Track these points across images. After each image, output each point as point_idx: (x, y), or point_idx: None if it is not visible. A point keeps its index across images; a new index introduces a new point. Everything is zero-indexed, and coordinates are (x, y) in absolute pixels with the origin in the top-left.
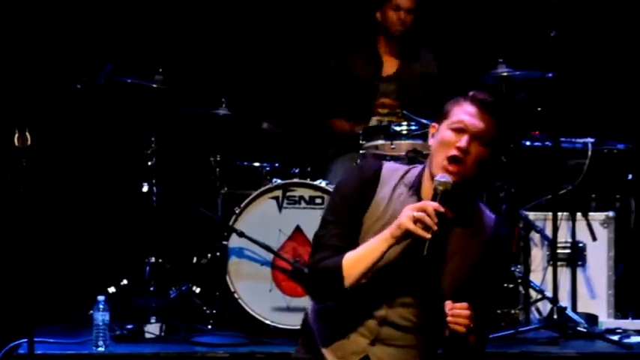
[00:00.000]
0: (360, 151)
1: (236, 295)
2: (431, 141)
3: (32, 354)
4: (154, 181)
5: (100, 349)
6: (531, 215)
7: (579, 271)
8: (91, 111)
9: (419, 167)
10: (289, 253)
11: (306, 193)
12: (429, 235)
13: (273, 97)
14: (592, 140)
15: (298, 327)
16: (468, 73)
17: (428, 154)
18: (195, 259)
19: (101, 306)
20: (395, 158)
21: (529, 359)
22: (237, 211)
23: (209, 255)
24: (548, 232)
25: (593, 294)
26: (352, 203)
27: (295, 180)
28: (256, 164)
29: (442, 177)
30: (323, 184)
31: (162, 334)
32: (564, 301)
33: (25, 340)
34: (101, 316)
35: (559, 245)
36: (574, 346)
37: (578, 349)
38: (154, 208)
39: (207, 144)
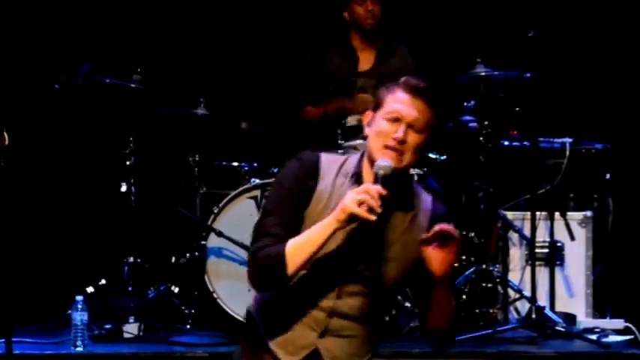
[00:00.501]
0: (339, 151)
1: (215, 295)
2: (367, 130)
3: (10, 354)
4: (132, 180)
5: (78, 349)
6: (510, 215)
7: (557, 270)
8: (69, 111)
9: (356, 156)
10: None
11: None
12: (373, 217)
13: (251, 97)
14: (570, 140)
15: None
16: (447, 73)
17: None
18: (173, 259)
19: (79, 306)
20: None
21: (507, 358)
22: (215, 211)
23: (188, 255)
24: (527, 231)
25: (572, 293)
26: (294, 194)
27: (274, 180)
28: (235, 164)
29: (382, 161)
30: None
31: (141, 333)
32: (542, 300)
33: (3, 339)
34: (79, 316)
35: (537, 245)
36: (552, 345)
37: (557, 348)
38: (133, 208)
39: (185, 144)
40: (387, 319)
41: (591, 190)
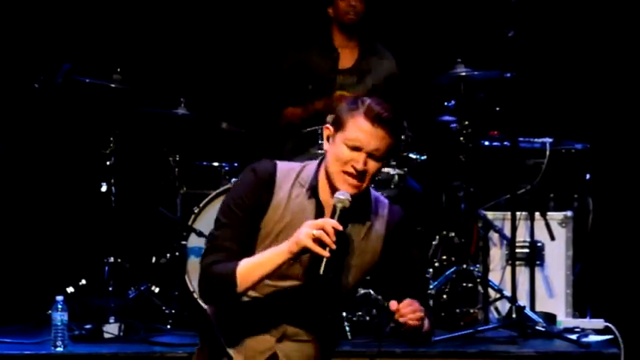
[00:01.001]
0: (319, 151)
1: (195, 295)
2: (326, 145)
3: None
4: (112, 180)
5: (58, 349)
6: (490, 215)
7: (538, 270)
8: (49, 110)
9: (313, 164)
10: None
11: None
12: (327, 254)
13: (231, 97)
14: (550, 140)
15: None
16: (427, 73)
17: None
18: (154, 259)
19: (59, 306)
20: None
21: (488, 358)
22: (196, 211)
23: (168, 255)
24: (507, 231)
25: (552, 293)
26: (248, 207)
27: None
28: (215, 164)
29: (341, 194)
30: None
31: (121, 334)
32: (523, 300)
33: None
34: (60, 316)
35: (517, 245)
36: (532, 345)
37: (537, 348)
38: (113, 208)
39: (166, 144)
40: (368, 319)
41: (571, 190)
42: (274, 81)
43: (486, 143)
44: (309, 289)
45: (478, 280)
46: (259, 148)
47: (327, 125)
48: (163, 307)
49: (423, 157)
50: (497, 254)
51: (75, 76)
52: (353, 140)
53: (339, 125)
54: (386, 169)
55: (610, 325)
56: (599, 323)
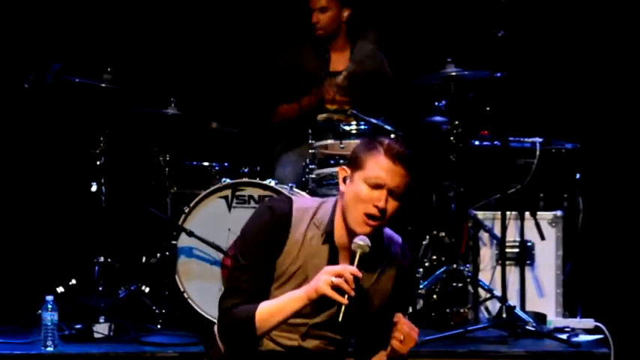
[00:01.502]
0: (310, 151)
1: (185, 295)
2: (342, 187)
3: None
4: (102, 180)
5: (48, 349)
6: (480, 214)
7: (528, 270)
8: (39, 110)
9: (329, 204)
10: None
11: (256, 192)
12: (345, 301)
13: (222, 97)
14: (540, 140)
15: None
16: (417, 73)
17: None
18: (144, 259)
19: (50, 306)
20: (344, 158)
21: (478, 358)
22: (186, 211)
23: (158, 254)
24: (497, 231)
25: (542, 293)
26: (265, 248)
27: (244, 179)
28: (205, 164)
29: (361, 239)
30: (272, 183)
31: (111, 333)
32: (513, 300)
33: None
34: (50, 316)
35: (508, 244)
36: (523, 344)
37: (527, 347)
38: (103, 208)
39: (156, 143)
40: None
41: (561, 190)
42: (267, 80)
43: (477, 143)
44: (319, 325)
45: (468, 279)
46: (250, 148)
47: (343, 167)
48: (153, 307)
49: None
50: (487, 254)
51: (65, 75)
52: (375, 178)
53: (357, 165)
54: None
55: (600, 324)
56: (590, 323)
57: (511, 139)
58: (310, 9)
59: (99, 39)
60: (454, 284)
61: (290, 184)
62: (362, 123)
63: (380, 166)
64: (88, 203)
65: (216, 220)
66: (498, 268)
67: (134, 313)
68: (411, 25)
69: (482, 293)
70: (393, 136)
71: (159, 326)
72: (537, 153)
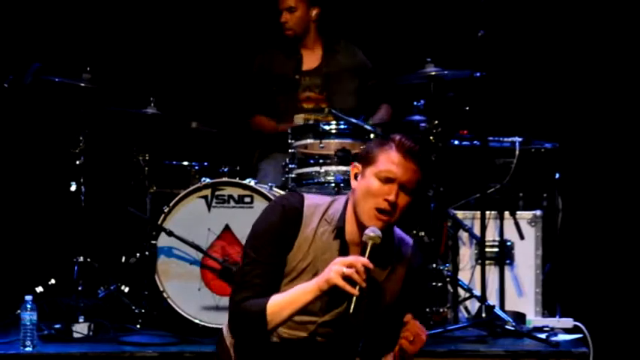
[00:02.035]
0: (290, 150)
1: (165, 295)
2: (354, 183)
3: None
4: (82, 180)
5: (27, 349)
6: (460, 214)
7: (507, 269)
8: (18, 110)
9: (341, 201)
10: (218, 253)
11: (235, 192)
12: (357, 292)
13: (201, 96)
14: (520, 139)
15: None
16: (396, 72)
17: (357, 153)
18: (123, 259)
19: (29, 305)
20: (324, 157)
21: (458, 357)
22: (166, 210)
23: (138, 254)
24: (477, 230)
25: (521, 292)
26: (276, 243)
27: (224, 179)
28: (185, 163)
29: (372, 231)
30: (252, 183)
31: (91, 333)
32: (492, 299)
33: None
34: (29, 316)
35: (487, 244)
36: (502, 344)
37: (507, 347)
38: (83, 208)
39: (135, 143)
40: None
41: (541, 189)
42: (242, 84)
43: (456, 142)
44: (329, 323)
45: (448, 279)
46: (229, 148)
47: (355, 164)
48: (133, 307)
49: None
50: (466, 253)
51: (44, 75)
52: (386, 172)
53: (368, 160)
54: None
55: (579, 324)
56: (569, 322)
57: (490, 138)
58: (279, 10)
59: (78, 38)
60: (433, 284)
61: (270, 184)
62: (342, 122)
63: (391, 161)
64: (67, 203)
65: (195, 220)
66: (478, 268)
67: (113, 313)
68: (390, 24)
69: (462, 293)
70: (400, 135)
71: (138, 326)
72: (517, 152)
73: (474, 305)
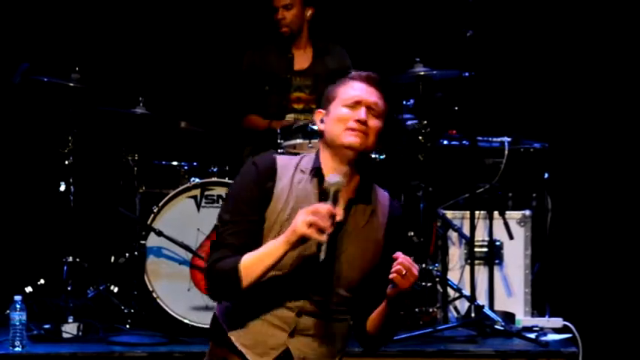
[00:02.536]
0: (279, 150)
1: (154, 295)
2: (321, 125)
3: None
4: (71, 180)
5: (17, 349)
6: (449, 214)
7: (496, 269)
8: (7, 110)
9: (311, 154)
10: (207, 253)
11: (225, 192)
12: (324, 238)
13: (190, 96)
14: (509, 139)
15: None
16: (386, 72)
17: None
18: (113, 259)
19: (18, 306)
20: None
21: (447, 357)
22: (155, 210)
23: (127, 254)
24: (466, 230)
25: (511, 292)
26: (251, 199)
27: (213, 179)
28: (174, 163)
29: (333, 177)
30: None
31: (80, 333)
32: (482, 299)
33: None
34: (18, 316)
35: (476, 244)
36: (492, 344)
37: (496, 346)
38: (72, 208)
39: (124, 143)
40: None
41: (530, 189)
42: (233, 82)
43: (445, 142)
44: (319, 277)
45: (437, 279)
46: (218, 148)
47: (318, 110)
48: (122, 307)
49: (381, 157)
50: (456, 253)
51: (33, 75)
52: (351, 98)
53: (330, 99)
54: None
55: (568, 323)
56: (558, 322)
57: (479, 138)
58: (274, 8)
59: (67, 38)
60: (423, 284)
61: None
62: None
63: (352, 88)
64: (56, 203)
65: (185, 220)
66: (467, 268)
67: (103, 313)
68: (379, 24)
69: (452, 293)
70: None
71: (128, 326)
72: (506, 152)
73: (463, 305)
